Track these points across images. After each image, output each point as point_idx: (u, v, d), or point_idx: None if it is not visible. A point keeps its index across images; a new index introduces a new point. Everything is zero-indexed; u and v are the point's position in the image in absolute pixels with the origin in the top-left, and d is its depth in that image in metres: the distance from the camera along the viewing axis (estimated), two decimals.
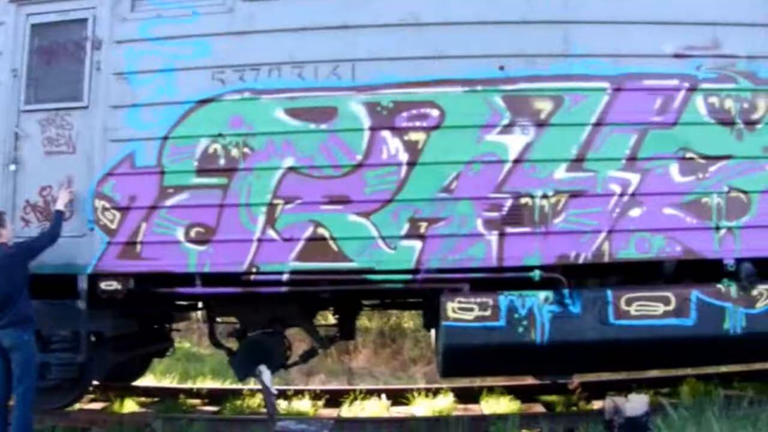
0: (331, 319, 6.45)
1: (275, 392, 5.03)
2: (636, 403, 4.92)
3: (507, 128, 4.77)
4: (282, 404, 6.26)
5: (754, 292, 4.97)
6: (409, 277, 4.76)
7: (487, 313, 4.63)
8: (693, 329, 4.80)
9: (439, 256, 4.75)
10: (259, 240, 4.99)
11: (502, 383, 6.65)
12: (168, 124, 5.13)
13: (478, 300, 4.66)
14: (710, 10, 5.19)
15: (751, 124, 5.06)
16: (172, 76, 5.21)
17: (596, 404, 5.80)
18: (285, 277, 4.93)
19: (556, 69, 4.80)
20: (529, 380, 6.36)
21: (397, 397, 6.38)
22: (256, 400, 6.26)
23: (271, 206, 4.94)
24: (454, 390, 6.41)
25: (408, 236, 4.75)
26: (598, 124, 4.78)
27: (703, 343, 5.05)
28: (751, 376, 6.96)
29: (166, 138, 5.09)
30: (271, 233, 4.98)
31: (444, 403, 6.13)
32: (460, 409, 6.09)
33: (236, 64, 5.12)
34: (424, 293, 5.17)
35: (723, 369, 7.02)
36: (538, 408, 6.02)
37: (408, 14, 4.99)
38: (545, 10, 4.92)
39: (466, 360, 4.81)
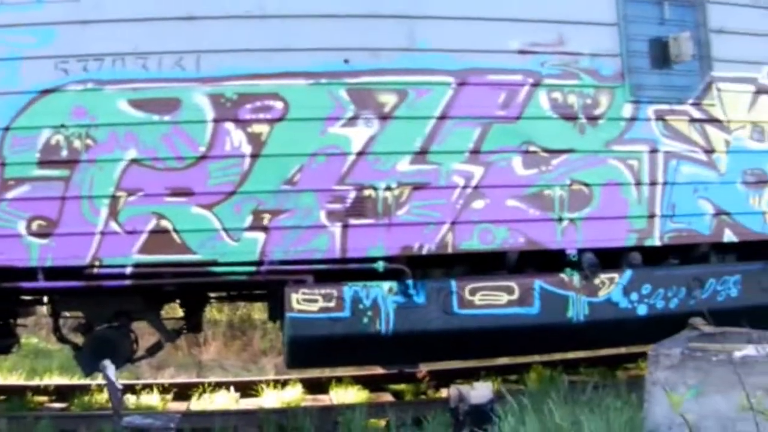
0: (181, 312, 7.29)
1: (120, 387, 5.55)
2: (480, 391, 5.67)
3: (351, 121, 5.29)
4: (130, 399, 6.89)
5: (596, 281, 5.93)
6: (252, 269, 5.23)
7: (332, 304, 5.20)
8: (537, 318, 5.68)
9: (282, 247, 5.24)
10: (102, 233, 5.55)
11: (350, 373, 7.51)
12: (10, 114, 5.69)
13: (323, 291, 5.22)
14: (555, 8, 6.01)
15: (593, 119, 5.98)
16: (15, 65, 5.78)
17: (444, 392, 6.57)
18: (128, 270, 5.33)
19: (401, 63, 5.36)
20: (378, 370, 7.13)
21: (247, 389, 7.17)
22: (105, 396, 6.77)
23: (114, 199, 5.40)
24: (303, 381, 7.28)
25: (251, 228, 5.25)
26: (442, 117, 5.41)
27: (548, 331, 5.90)
28: (596, 362, 7.92)
29: (7, 129, 5.65)
30: (114, 226, 5.56)
31: (293, 394, 6.96)
32: (309, 400, 6.97)
33: (80, 54, 5.71)
34: (269, 285, 5.64)
35: (570, 356, 8.13)
36: (387, 397, 6.96)
37: (254, 6, 5.64)
38: (391, 5, 5.35)
39: (311, 351, 5.33)
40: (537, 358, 7.84)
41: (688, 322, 4.67)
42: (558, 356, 7.90)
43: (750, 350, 3.73)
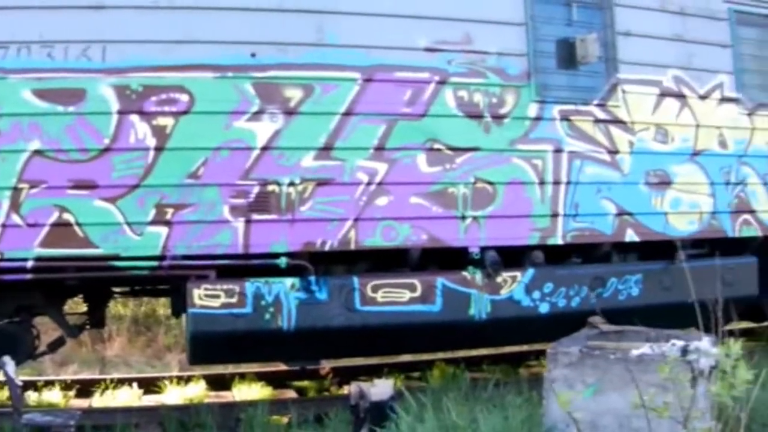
0: (84, 307, 7.72)
1: (20, 384, 5.93)
2: (381, 388, 6.45)
3: (256, 115, 5.71)
4: (32, 396, 7.31)
5: (499, 279, 6.76)
6: (155, 263, 5.60)
7: (234, 300, 5.64)
8: (439, 315, 6.27)
9: (185, 242, 5.61)
10: (3, 225, 5.92)
11: (254, 370, 8.17)
12: None
13: (225, 287, 5.63)
14: (463, 7, 6.78)
15: (498, 118, 6.77)
16: None
17: (347, 389, 7.50)
18: (30, 264, 5.60)
19: (308, 58, 5.85)
20: (282, 366, 7.68)
21: (150, 385, 7.77)
22: (5, 393, 7.03)
23: (16, 191, 5.62)
24: (206, 377, 7.92)
25: (154, 222, 5.61)
26: (347, 113, 5.90)
27: (450, 328, 6.69)
28: (499, 359, 8.79)
29: None
30: (16, 219, 5.92)
31: (196, 391, 7.56)
32: (212, 396, 7.59)
33: None
34: (171, 280, 6.01)
35: (473, 353, 9.00)
36: (290, 394, 7.60)
37: None
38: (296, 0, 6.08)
39: (214, 347, 5.77)
40: (441, 355, 8.72)
41: (588, 321, 5.17)
42: (462, 353, 8.81)
43: (646, 349, 4.22)
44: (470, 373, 7.30)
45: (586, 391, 4.18)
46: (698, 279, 7.56)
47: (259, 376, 7.44)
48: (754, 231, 8.48)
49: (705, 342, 4.19)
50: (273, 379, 7.45)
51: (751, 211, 8.42)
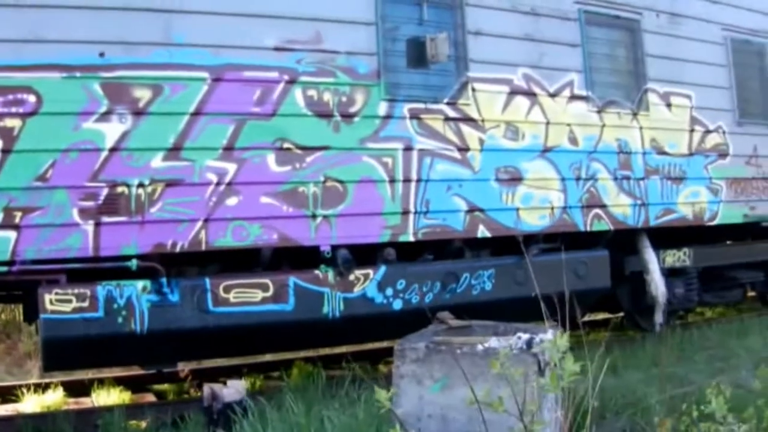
0: None
1: None
2: (233, 389, 6.65)
3: (105, 116, 6.49)
4: None
5: (351, 277, 8.16)
6: (5, 269, 6.28)
7: (86, 304, 6.39)
8: (292, 314, 7.26)
9: (35, 246, 6.29)
10: None
11: (113, 375, 9.38)
12: None
13: (76, 291, 6.40)
14: (313, 6, 8.10)
15: (348, 117, 7.73)
16: None
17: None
18: None
19: (157, 57, 6.71)
20: (141, 370, 8.98)
21: (7, 394, 8.75)
22: None
23: None
24: (64, 384, 8.96)
25: (2, 226, 6.24)
26: (196, 113, 6.85)
27: (304, 327, 7.99)
28: (359, 356, 10.28)
29: None
30: None
31: (54, 398, 8.57)
32: (71, 403, 8.60)
33: None
34: (22, 285, 6.69)
35: (337, 350, 10.64)
36: (150, 398, 8.77)
37: None
38: None
39: (67, 353, 6.42)
40: (301, 354, 10.52)
41: (436, 317, 5.84)
42: (324, 351, 10.65)
43: (493, 342, 4.75)
44: (330, 371, 8.92)
45: (434, 386, 4.74)
46: (550, 273, 9.67)
47: (119, 381, 8.50)
48: (605, 225, 10.42)
49: (550, 334, 4.78)
50: (132, 384, 8.61)
51: (602, 206, 10.35)
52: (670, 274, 11.54)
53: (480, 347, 4.83)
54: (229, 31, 7.42)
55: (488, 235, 8.76)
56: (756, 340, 10.37)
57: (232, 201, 7.43)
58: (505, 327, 5.48)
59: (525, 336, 4.86)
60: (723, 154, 11.86)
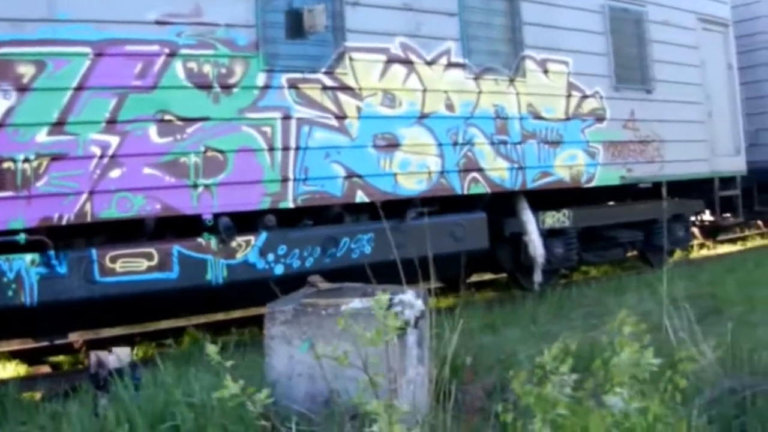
0: None
1: None
2: (119, 356, 6.95)
3: None
4: None
5: (233, 244, 9.21)
6: None
7: None
8: (177, 282, 8.04)
9: None
10: None
11: (9, 348, 10.25)
12: None
13: None
14: None
15: (227, 88, 8.58)
16: None
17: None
18: None
19: (41, 33, 7.29)
20: (36, 343, 9.82)
21: None
22: None
23: None
24: None
25: None
26: (79, 88, 7.49)
27: (189, 294, 9.10)
28: (248, 321, 11.46)
29: None
30: None
31: None
32: None
33: None
34: None
35: (233, 316, 12.29)
36: (45, 369, 9.66)
37: None
38: None
39: None
40: (194, 320, 11.82)
41: (307, 280, 6.36)
42: (221, 317, 11.99)
43: (356, 303, 5.15)
44: (221, 337, 10.20)
45: (302, 345, 5.23)
46: (428, 235, 11.13)
47: (14, 354, 9.07)
48: (482, 188, 11.83)
49: (409, 295, 5.31)
50: (28, 357, 9.15)
51: (479, 170, 11.76)
52: (550, 234, 13.05)
53: (344, 308, 5.23)
54: (111, 6, 8.08)
55: (366, 200, 9.79)
56: (632, 297, 11.70)
57: (115, 173, 8.15)
58: (373, 289, 5.88)
59: (386, 296, 4.89)
60: (600, 119, 13.42)
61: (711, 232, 16.50)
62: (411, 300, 5.42)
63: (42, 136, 7.88)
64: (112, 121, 8.22)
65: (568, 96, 12.37)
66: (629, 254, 15.16)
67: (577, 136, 12.44)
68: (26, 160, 7.75)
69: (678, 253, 16.48)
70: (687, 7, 14.32)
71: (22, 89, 7.76)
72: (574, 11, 12.45)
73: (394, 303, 5.22)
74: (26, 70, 7.76)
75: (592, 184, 12.64)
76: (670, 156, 13.79)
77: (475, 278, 15.23)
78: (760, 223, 18.12)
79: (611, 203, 13.90)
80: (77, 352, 10.33)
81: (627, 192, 13.80)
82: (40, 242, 7.79)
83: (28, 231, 7.69)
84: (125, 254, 8.35)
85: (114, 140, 8.30)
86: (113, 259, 8.24)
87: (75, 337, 10.27)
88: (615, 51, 13.01)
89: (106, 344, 10.24)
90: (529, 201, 11.90)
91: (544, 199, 12.57)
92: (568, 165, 12.32)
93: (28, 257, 7.72)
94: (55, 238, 7.81)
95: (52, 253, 7.84)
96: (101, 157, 8.21)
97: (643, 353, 4.30)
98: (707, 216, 16.21)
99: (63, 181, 7.96)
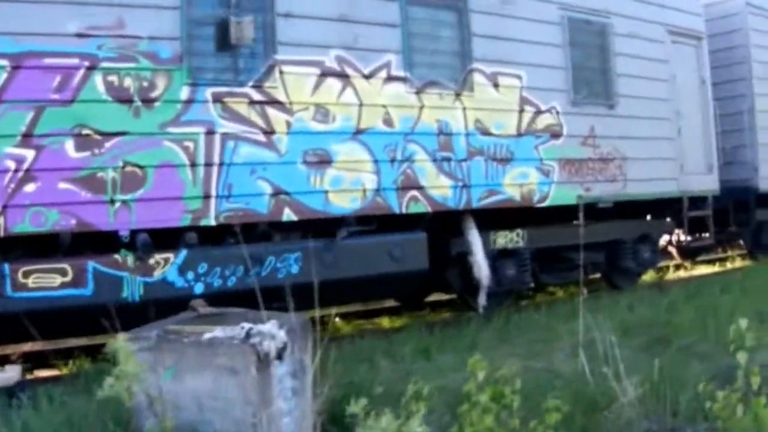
0: None
1: None
2: (7, 374, 7.97)
3: None
4: None
5: (151, 261, 10.28)
6: None
7: None
8: (91, 298, 8.81)
9: None
10: None
11: None
12: None
13: None
14: None
15: (149, 101, 9.39)
16: None
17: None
18: None
19: None
20: None
21: None
22: None
23: None
24: None
25: None
26: None
27: (104, 311, 11.27)
28: None
29: None
30: None
31: None
32: None
33: None
34: None
35: None
36: None
37: None
38: None
39: None
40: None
41: (189, 304, 7.05)
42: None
43: (218, 332, 5.58)
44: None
45: (165, 374, 5.52)
46: (362, 255, 12.33)
47: None
48: (423, 207, 12.77)
49: (270, 325, 5.62)
50: None
51: (419, 188, 12.74)
52: (502, 255, 14.14)
53: (205, 337, 5.68)
54: (31, 18, 8.90)
55: (294, 218, 10.62)
56: (578, 323, 12.89)
57: (30, 187, 8.97)
58: (255, 315, 6.24)
59: (246, 326, 5.67)
60: (556, 135, 14.42)
61: (689, 253, 17.56)
62: (272, 331, 5.71)
63: None
64: (28, 135, 9.09)
65: (521, 111, 13.27)
66: (591, 276, 15.98)
67: (530, 153, 13.37)
68: None
69: (652, 275, 17.76)
70: (656, 19, 15.26)
71: None
72: (529, 23, 13.41)
73: (252, 334, 5.63)
74: None
75: (546, 203, 13.57)
76: (634, 174, 14.73)
77: (435, 297, 16.36)
78: (741, 242, 19.28)
79: (575, 223, 14.76)
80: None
81: (590, 212, 14.69)
82: None
83: None
84: (38, 269, 9.18)
85: (29, 154, 9.15)
86: (26, 274, 9.09)
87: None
88: (574, 64, 13.95)
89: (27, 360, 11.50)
90: (479, 220, 12.85)
91: (500, 218, 13.20)
92: (518, 183, 13.18)
93: None
94: None
95: None
96: (15, 171, 9.02)
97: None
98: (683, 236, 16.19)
99: None
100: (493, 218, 13.33)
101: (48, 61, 9.38)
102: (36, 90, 9.33)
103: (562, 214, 14.62)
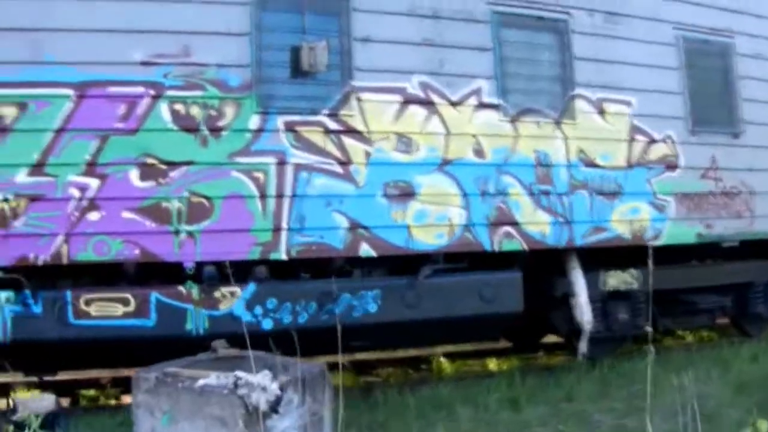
0: None
1: None
2: (43, 402, 8.21)
3: None
4: None
5: (217, 295, 11.11)
6: None
7: None
8: (154, 330, 9.82)
9: None
10: None
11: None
12: None
13: None
14: (182, 19, 10.16)
15: (216, 131, 10.33)
16: None
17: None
18: None
19: (24, 76, 9.25)
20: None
21: None
22: None
23: None
24: None
25: None
26: (60, 129, 9.38)
27: (167, 342, 11.05)
28: None
29: None
30: None
31: None
32: None
33: None
34: None
35: None
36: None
37: None
38: (16, 18, 9.35)
39: None
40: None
41: (211, 344, 7.67)
42: None
43: (211, 379, 5.95)
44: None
45: (163, 418, 5.99)
46: (448, 295, 13.09)
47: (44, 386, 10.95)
48: (517, 244, 12.53)
49: (261, 376, 5.92)
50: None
51: (514, 223, 12.49)
52: (613, 297, 14.46)
53: (198, 383, 6.02)
54: (95, 47, 9.93)
55: (373, 254, 11.17)
56: (694, 376, 12.23)
57: (93, 216, 9.98)
58: (283, 362, 6.66)
59: (236, 376, 6.07)
60: (671, 166, 14.15)
61: None
62: (262, 382, 6.01)
63: (22, 177, 9.84)
64: (92, 164, 10.06)
65: (631, 141, 13.48)
66: (718, 321, 16.38)
67: (642, 186, 13.56)
68: (5, 200, 9.58)
69: None
70: None
71: (3, 130, 9.69)
72: (640, 44, 13.63)
73: (240, 384, 5.97)
74: (8, 112, 9.75)
75: (660, 241, 13.44)
76: (764, 210, 14.70)
77: (552, 339, 16.59)
78: None
79: (695, 263, 14.89)
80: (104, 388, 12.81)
81: (714, 251, 14.75)
82: (15, 281, 9.65)
83: (4, 269, 9.45)
84: (101, 298, 10.18)
85: (94, 183, 10.14)
86: (88, 302, 10.08)
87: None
88: (692, 89, 14.01)
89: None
90: (587, 259, 13.00)
91: (614, 258, 13.32)
92: (628, 219, 13.37)
93: (3, 295, 9.56)
94: (36, 278, 9.74)
95: (28, 292, 9.68)
96: (80, 199, 10.02)
97: None
98: None
99: (40, 222, 9.81)
100: (605, 258, 13.50)
101: (112, 90, 10.36)
102: (100, 119, 10.26)
103: (683, 254, 14.88)
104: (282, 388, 6.25)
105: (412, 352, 15.12)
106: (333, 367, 14.61)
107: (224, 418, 5.92)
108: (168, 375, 6.45)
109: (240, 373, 6.20)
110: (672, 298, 15.03)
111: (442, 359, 14.65)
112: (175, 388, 6.22)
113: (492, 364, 15.17)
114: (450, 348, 15.52)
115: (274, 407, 6.04)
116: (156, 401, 6.29)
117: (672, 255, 14.74)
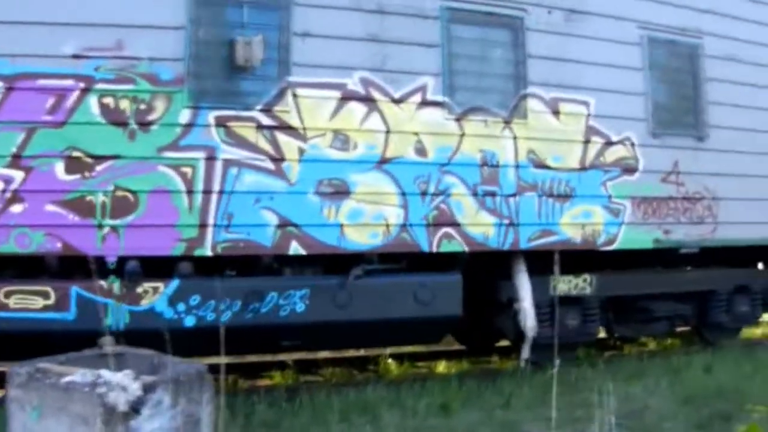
0: None
1: None
2: None
3: None
4: None
5: (139, 290, 11.58)
6: None
7: None
8: (74, 323, 10.37)
9: None
10: None
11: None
12: None
13: None
14: (116, 13, 10.77)
15: (145, 125, 10.92)
16: None
17: None
18: None
19: None
20: None
21: None
22: None
23: None
24: None
25: None
26: None
27: (87, 337, 12.09)
28: None
29: None
30: None
31: None
32: None
33: None
34: None
35: None
36: None
37: None
38: None
39: None
40: None
41: (98, 341, 7.98)
42: None
43: (77, 376, 6.13)
44: None
45: (32, 413, 6.19)
46: (382, 296, 14.02)
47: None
48: (458, 246, 13.19)
49: (122, 375, 6.07)
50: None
51: (455, 224, 13.11)
52: (564, 302, 14.22)
53: (63, 380, 6.18)
54: (26, 39, 10.49)
55: (303, 252, 11.82)
56: (641, 386, 12.56)
57: (16, 208, 10.57)
58: (160, 359, 6.85)
59: (96, 374, 6.22)
60: (630, 170, 14.78)
61: None
62: (122, 382, 6.15)
63: None
64: (17, 156, 10.68)
65: (586, 142, 14.06)
66: (678, 329, 17.02)
67: (596, 189, 14.16)
68: None
69: (764, 330, 18.14)
70: (760, 39, 15.71)
71: None
72: (602, 43, 14.27)
73: (99, 383, 6.09)
74: None
75: (613, 246, 14.19)
76: (727, 217, 15.19)
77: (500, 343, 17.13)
78: None
79: (659, 269, 15.47)
80: None
81: (676, 258, 15.28)
82: None
83: None
84: (21, 290, 10.81)
85: (18, 175, 10.77)
86: (7, 294, 10.73)
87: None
88: (656, 90, 14.56)
89: None
90: (537, 263, 13.58)
91: (570, 262, 13.65)
92: (580, 223, 13.98)
93: None
94: None
95: None
96: (3, 191, 10.57)
97: None
98: None
99: None
100: (563, 262, 13.35)
101: (41, 82, 10.90)
102: (28, 111, 10.79)
103: (647, 261, 15.66)
104: (148, 389, 6.37)
105: (362, 352, 15.67)
106: (270, 366, 15.66)
107: (86, 417, 6.04)
108: (39, 371, 6.61)
109: (102, 371, 6.38)
110: (629, 304, 15.80)
111: (390, 360, 15.23)
112: (43, 383, 6.41)
113: (441, 366, 15.65)
114: (407, 349, 16.56)
115: (136, 407, 6.15)
116: (27, 396, 6.49)
117: (635, 261, 15.74)
